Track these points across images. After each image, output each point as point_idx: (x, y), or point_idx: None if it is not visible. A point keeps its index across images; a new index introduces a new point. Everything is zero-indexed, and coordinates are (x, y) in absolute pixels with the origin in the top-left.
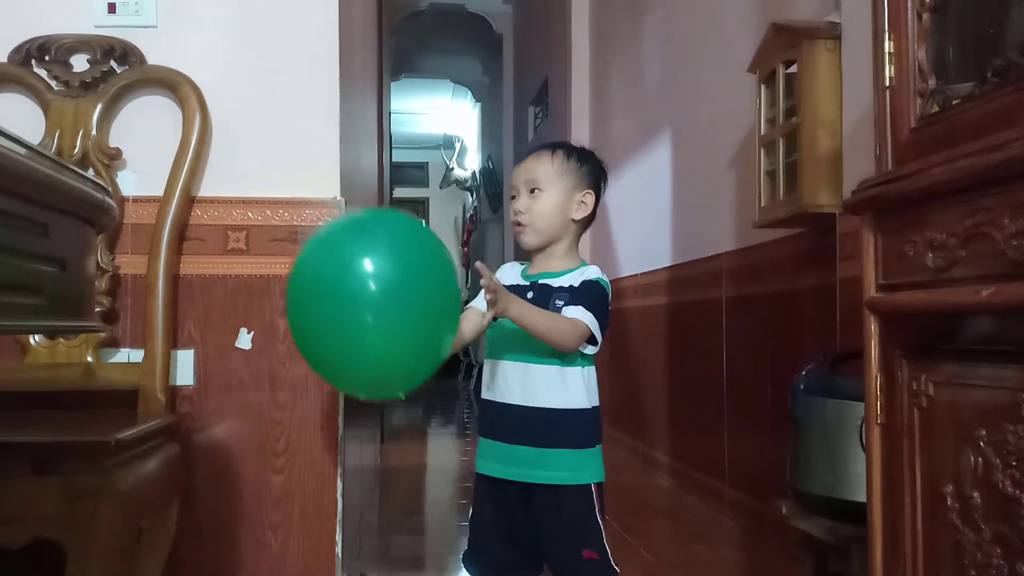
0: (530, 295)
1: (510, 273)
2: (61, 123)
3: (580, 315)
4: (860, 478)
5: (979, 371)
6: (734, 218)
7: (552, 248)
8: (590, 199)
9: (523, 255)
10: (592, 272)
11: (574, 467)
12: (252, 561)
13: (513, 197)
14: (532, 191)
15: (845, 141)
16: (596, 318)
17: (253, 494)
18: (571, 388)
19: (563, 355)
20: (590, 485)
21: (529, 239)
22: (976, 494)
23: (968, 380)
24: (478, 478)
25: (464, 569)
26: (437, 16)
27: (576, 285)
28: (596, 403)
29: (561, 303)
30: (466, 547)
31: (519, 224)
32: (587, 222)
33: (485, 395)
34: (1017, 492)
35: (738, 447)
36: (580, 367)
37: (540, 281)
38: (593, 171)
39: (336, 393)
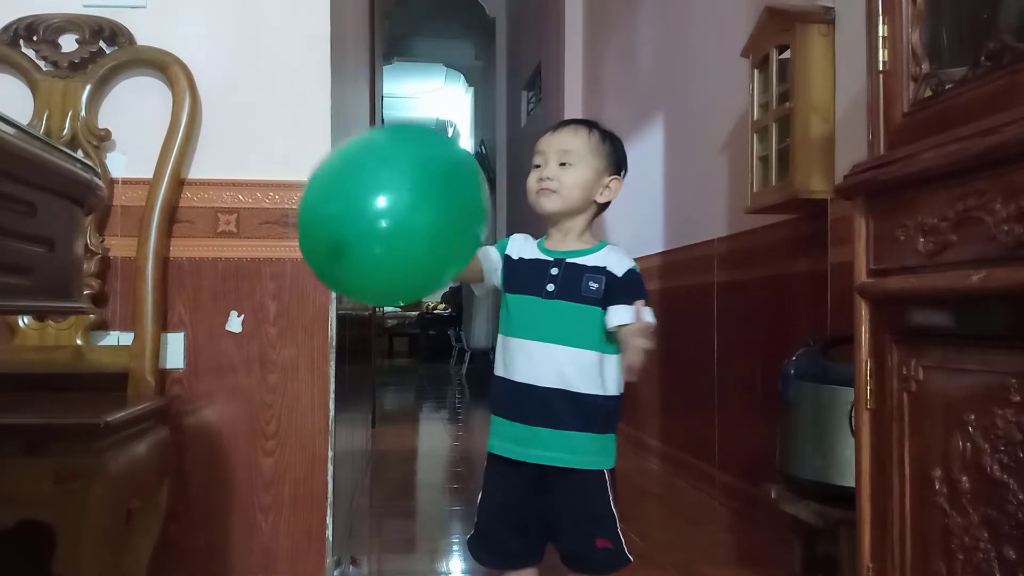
0: (555, 271)
1: (525, 245)
2: (50, 104)
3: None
4: (849, 462)
5: (969, 356)
6: (726, 204)
7: (568, 224)
8: (615, 186)
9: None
10: (625, 258)
11: (591, 451)
12: (243, 543)
13: (537, 165)
14: (563, 163)
15: (838, 126)
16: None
17: (244, 476)
18: (606, 374)
19: (603, 342)
20: (603, 472)
21: (552, 204)
22: (964, 478)
23: (958, 365)
24: (490, 458)
25: (470, 553)
26: None
27: (617, 273)
28: (623, 390)
29: (596, 285)
30: (472, 532)
31: (545, 189)
32: (603, 207)
33: (502, 373)
34: (1005, 476)
35: (729, 432)
36: (616, 354)
37: (568, 260)
38: (620, 160)
39: (327, 376)
